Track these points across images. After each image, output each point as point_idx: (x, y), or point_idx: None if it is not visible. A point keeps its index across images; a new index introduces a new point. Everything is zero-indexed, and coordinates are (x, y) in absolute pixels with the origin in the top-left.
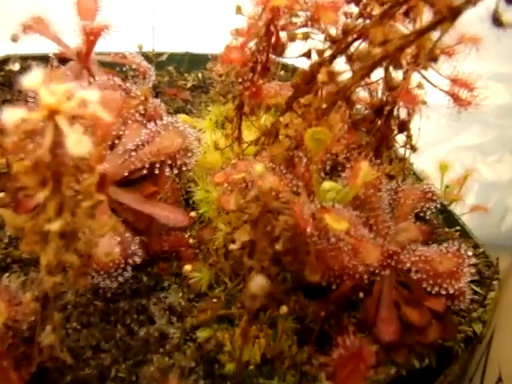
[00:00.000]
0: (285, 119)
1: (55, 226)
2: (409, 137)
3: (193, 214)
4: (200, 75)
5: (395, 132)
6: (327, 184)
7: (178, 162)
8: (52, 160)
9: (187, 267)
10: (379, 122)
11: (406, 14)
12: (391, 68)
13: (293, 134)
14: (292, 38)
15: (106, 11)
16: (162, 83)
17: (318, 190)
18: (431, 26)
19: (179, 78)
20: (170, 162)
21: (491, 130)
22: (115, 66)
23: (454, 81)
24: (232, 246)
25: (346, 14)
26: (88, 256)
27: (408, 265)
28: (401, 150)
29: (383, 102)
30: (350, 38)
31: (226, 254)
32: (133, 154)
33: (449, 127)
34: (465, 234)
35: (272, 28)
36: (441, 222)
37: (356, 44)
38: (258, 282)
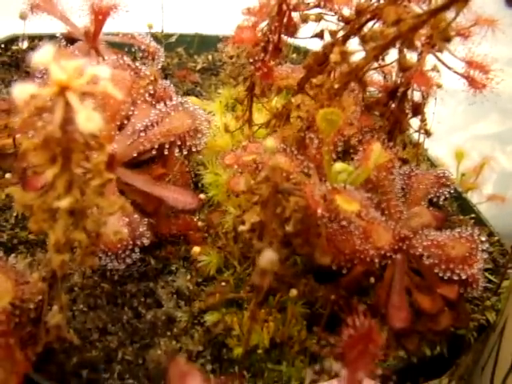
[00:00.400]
0: (296, 100)
1: (64, 203)
2: (423, 121)
3: (202, 196)
4: (210, 57)
5: (409, 115)
6: (339, 165)
7: (188, 144)
8: (62, 136)
9: (196, 249)
10: (393, 105)
11: None
12: (405, 49)
13: (304, 115)
14: (304, 19)
15: None
16: (172, 65)
17: (330, 171)
18: (444, 6)
19: (189, 59)
20: (179, 143)
21: (510, 118)
22: (124, 47)
23: (469, 63)
24: (241, 227)
25: None
26: (96, 235)
27: (420, 250)
28: (415, 136)
29: (397, 85)
30: (363, 19)
31: (236, 237)
32: (142, 134)
33: (467, 114)
34: (480, 222)
35: (284, 7)
36: (455, 209)
37: (370, 25)
38: (267, 257)
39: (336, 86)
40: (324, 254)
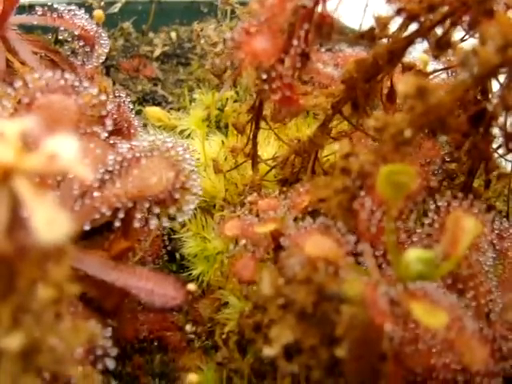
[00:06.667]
0: (343, 147)
1: (13, 343)
2: None
3: (191, 286)
4: (174, 35)
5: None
6: (414, 253)
7: (169, 209)
8: (6, 247)
9: (192, 378)
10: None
11: None
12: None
13: (355, 167)
14: None
15: None
16: (115, 50)
17: (396, 260)
18: None
19: (141, 40)
20: (155, 207)
21: None
22: (47, 31)
23: None
24: (267, 351)
25: None
26: (53, 377)
27: None
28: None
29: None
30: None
31: (242, 345)
32: (96, 194)
33: None
34: None
35: None
36: None
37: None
38: None
39: (407, 133)
40: None
